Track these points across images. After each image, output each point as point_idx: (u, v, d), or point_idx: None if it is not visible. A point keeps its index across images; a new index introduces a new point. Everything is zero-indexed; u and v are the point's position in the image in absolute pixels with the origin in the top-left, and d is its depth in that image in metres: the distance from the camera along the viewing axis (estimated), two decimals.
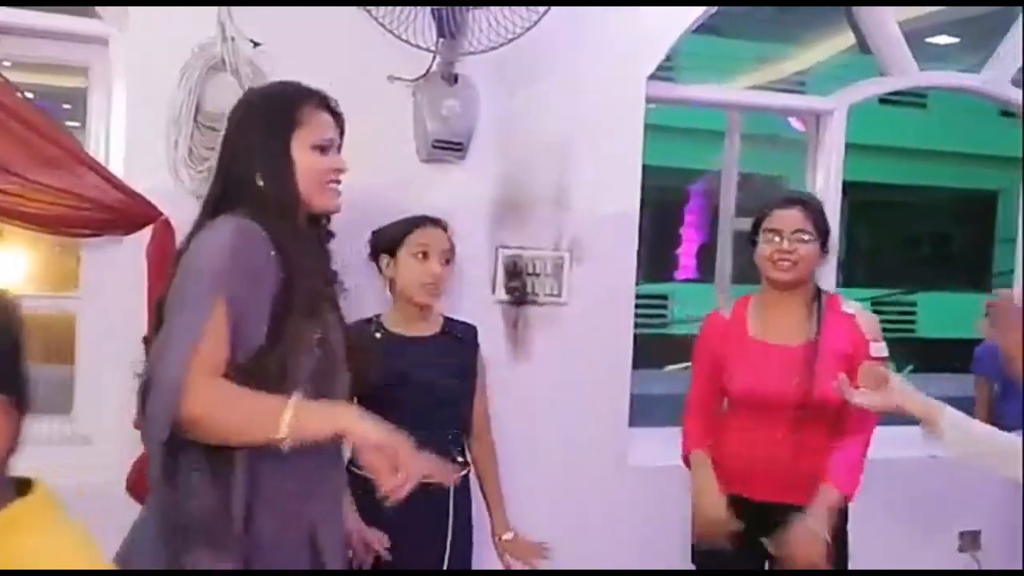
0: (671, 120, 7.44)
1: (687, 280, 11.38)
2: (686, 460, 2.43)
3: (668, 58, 2.97)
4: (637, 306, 3.02)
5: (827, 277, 3.33)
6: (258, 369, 1.55)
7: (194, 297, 1.54)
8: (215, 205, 1.69)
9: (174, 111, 2.41)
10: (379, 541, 2.14)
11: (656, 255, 10.59)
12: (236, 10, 2.46)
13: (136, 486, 2.31)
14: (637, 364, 3.02)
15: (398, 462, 1.49)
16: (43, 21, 2.48)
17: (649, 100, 2.92)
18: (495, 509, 2.41)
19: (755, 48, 8.62)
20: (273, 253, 1.58)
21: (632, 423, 3.03)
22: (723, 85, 6.91)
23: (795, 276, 2.30)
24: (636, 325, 3.01)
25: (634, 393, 3.01)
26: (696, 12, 2.91)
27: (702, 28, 3.04)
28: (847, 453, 2.28)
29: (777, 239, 2.30)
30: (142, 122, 2.45)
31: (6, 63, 2.80)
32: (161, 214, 2.42)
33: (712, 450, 2.39)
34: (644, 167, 2.94)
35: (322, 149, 1.72)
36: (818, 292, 2.37)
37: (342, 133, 1.81)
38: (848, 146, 3.32)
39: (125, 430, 1.98)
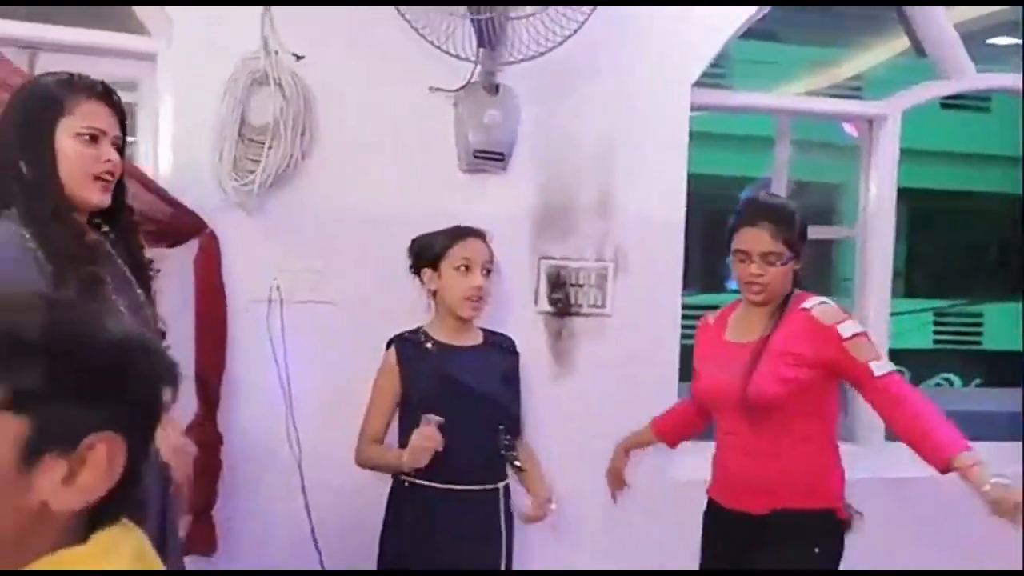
0: (725, 128, 7.35)
1: (737, 290, 11.21)
2: None
3: (721, 64, 2.93)
4: (691, 317, 2.97)
5: (885, 287, 3.26)
6: None
7: None
8: None
9: (219, 124, 2.44)
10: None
11: (710, 265, 10.46)
12: (279, 23, 2.49)
13: None
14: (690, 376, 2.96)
15: None
16: (93, 38, 2.54)
17: (694, 107, 2.88)
18: (538, 483, 2.37)
19: (810, 53, 8.47)
20: (33, 247, 1.60)
21: None
22: (777, 91, 6.83)
23: (767, 297, 2.18)
24: (691, 337, 2.96)
25: None
26: (742, 17, 2.86)
27: (757, 34, 3.00)
28: (933, 417, 2.05)
29: (745, 261, 2.16)
30: (188, 135, 2.49)
31: None
32: (207, 226, 2.45)
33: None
34: (697, 176, 2.90)
35: (91, 139, 1.68)
36: (791, 292, 2.22)
37: (123, 128, 1.77)
38: (908, 152, 3.23)
39: None
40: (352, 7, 2.54)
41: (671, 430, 2.51)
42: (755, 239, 2.14)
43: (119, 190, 1.79)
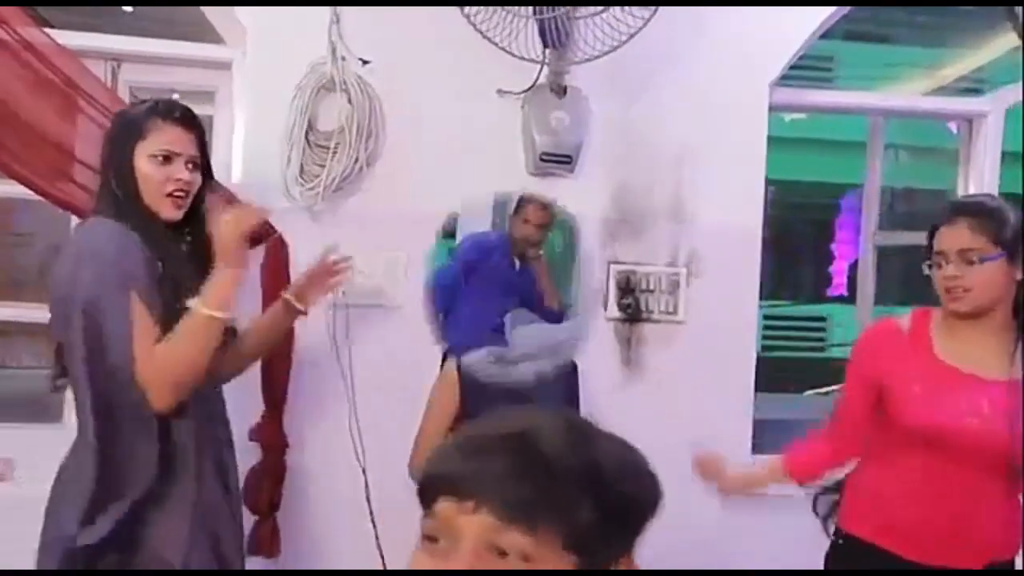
0: (824, 133, 7.12)
1: (839, 298, 10.80)
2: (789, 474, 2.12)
3: (829, 68, 2.81)
4: (793, 328, 2.85)
5: None
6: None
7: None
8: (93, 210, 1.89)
9: (287, 130, 2.47)
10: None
11: (809, 274, 10.08)
12: (346, 29, 2.51)
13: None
14: (796, 389, 2.85)
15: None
16: (171, 49, 2.63)
17: (773, 108, 2.76)
18: None
19: (923, 54, 8.12)
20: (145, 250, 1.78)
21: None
22: (885, 92, 6.55)
23: (971, 307, 1.86)
24: (792, 348, 2.85)
25: (792, 419, 2.83)
26: (824, 13, 2.73)
27: (866, 36, 2.86)
28: None
29: (943, 263, 1.88)
30: (259, 141, 2.53)
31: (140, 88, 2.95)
32: (275, 230, 2.49)
33: (862, 491, 2.04)
34: (797, 183, 2.78)
35: (165, 159, 1.84)
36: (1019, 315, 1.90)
37: (203, 147, 1.91)
38: (1011, 156, 3.03)
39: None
40: (417, 8, 2.54)
41: (806, 466, 2.12)
42: (951, 236, 1.87)
43: (199, 204, 1.94)
